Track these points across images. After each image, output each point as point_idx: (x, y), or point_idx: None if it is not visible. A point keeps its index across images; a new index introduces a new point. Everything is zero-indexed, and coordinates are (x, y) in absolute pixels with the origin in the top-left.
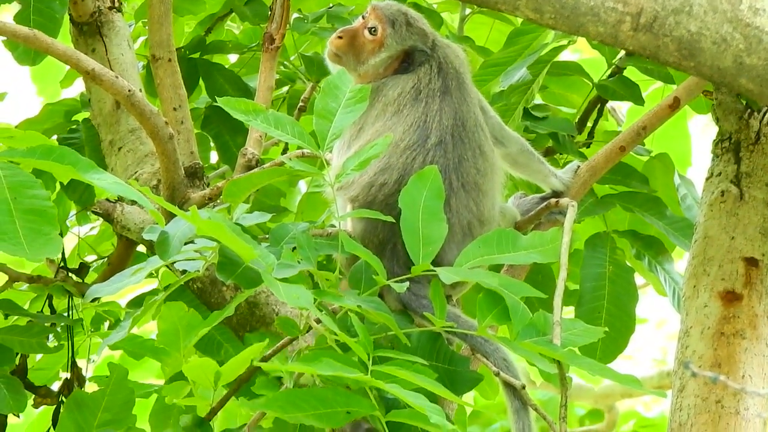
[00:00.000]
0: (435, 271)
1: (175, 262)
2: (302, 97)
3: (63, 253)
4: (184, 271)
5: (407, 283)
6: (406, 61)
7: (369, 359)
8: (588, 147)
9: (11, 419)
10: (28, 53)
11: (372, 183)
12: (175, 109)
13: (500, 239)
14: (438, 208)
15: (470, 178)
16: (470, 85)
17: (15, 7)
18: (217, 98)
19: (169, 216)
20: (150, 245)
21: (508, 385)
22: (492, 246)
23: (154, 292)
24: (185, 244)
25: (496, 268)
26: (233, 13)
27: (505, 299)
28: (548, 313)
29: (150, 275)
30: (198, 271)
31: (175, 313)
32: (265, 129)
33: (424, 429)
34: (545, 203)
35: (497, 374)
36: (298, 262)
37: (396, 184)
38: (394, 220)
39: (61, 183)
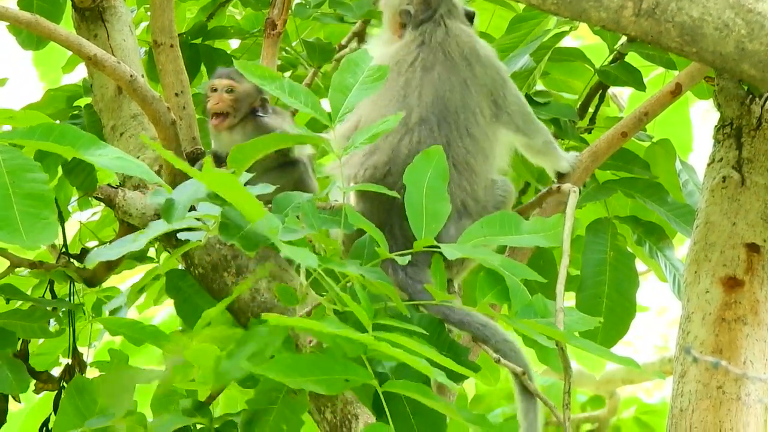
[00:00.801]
0: (438, 246)
1: (177, 232)
2: (304, 83)
3: (65, 239)
4: (185, 241)
5: (409, 257)
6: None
7: (370, 327)
8: (590, 133)
9: (12, 406)
10: (32, 38)
11: (363, 163)
12: (177, 94)
13: (503, 221)
14: (442, 187)
15: (461, 158)
16: (466, 68)
17: None
18: (234, 61)
19: None
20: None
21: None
22: (495, 227)
23: (156, 278)
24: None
25: (498, 252)
26: None
27: (505, 279)
28: (548, 299)
29: (151, 261)
30: (200, 241)
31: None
32: (279, 95)
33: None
34: (547, 188)
35: (497, 361)
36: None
37: (386, 166)
38: (398, 195)
39: (63, 168)
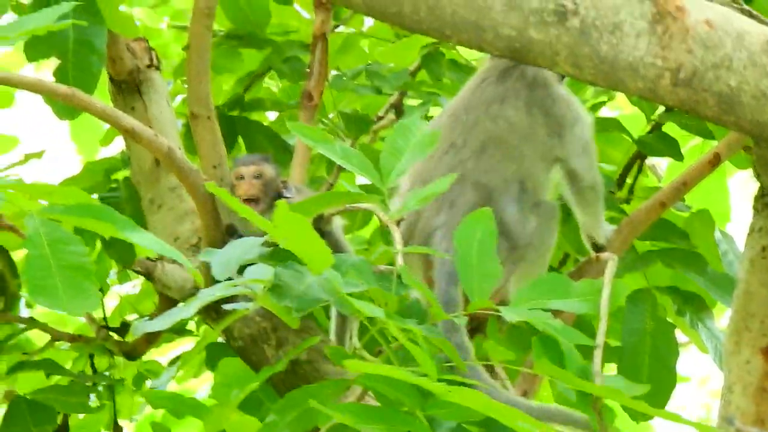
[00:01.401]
0: (498, 309)
1: (220, 303)
2: None
3: (104, 312)
4: (226, 313)
5: (466, 318)
6: None
7: (435, 377)
8: (628, 203)
9: None
10: (67, 108)
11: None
12: (214, 166)
13: (553, 283)
14: (491, 248)
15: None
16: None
17: (53, 62)
18: (287, 122)
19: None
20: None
21: None
22: (545, 289)
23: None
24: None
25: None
26: (271, 71)
27: (559, 344)
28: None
29: (190, 334)
30: (248, 309)
31: (231, 366)
32: (332, 157)
33: None
34: (586, 258)
35: None
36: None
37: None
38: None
39: (102, 241)
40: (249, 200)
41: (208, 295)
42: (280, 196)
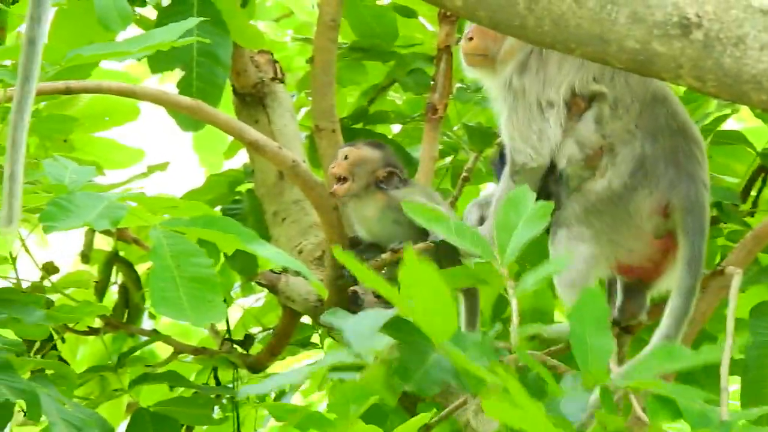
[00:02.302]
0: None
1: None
2: (465, 168)
3: (228, 325)
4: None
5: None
6: None
7: None
8: (752, 216)
9: None
10: (191, 120)
11: None
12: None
13: (672, 353)
14: (606, 323)
15: None
16: None
17: (177, 74)
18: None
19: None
20: (315, 316)
21: None
22: (664, 359)
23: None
24: None
25: None
26: (396, 83)
27: (676, 402)
28: (712, 383)
29: (315, 347)
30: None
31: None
32: (445, 236)
33: None
34: (710, 272)
35: None
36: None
37: None
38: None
39: (225, 254)
40: (337, 179)
41: (338, 358)
42: (378, 183)
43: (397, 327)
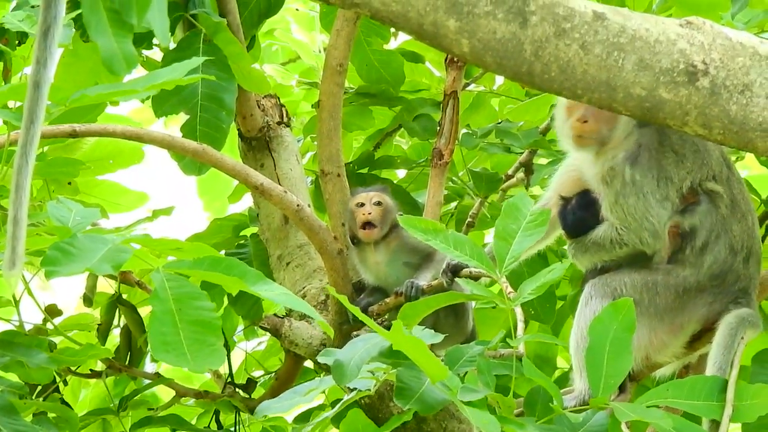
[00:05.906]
0: (612, 405)
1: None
2: (471, 213)
3: (230, 368)
4: (353, 389)
5: (583, 415)
6: None
7: None
8: None
9: None
10: (194, 164)
11: None
12: (343, 224)
13: (693, 387)
14: (627, 340)
15: None
16: None
17: (181, 118)
18: (397, 217)
19: (341, 331)
20: (319, 362)
21: None
22: (683, 392)
23: (321, 407)
24: None
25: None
26: (402, 129)
27: None
28: None
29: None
30: (369, 390)
31: (357, 419)
32: (443, 249)
33: None
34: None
35: None
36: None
37: None
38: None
39: (229, 297)
40: (369, 224)
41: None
42: (395, 227)
43: (393, 355)
